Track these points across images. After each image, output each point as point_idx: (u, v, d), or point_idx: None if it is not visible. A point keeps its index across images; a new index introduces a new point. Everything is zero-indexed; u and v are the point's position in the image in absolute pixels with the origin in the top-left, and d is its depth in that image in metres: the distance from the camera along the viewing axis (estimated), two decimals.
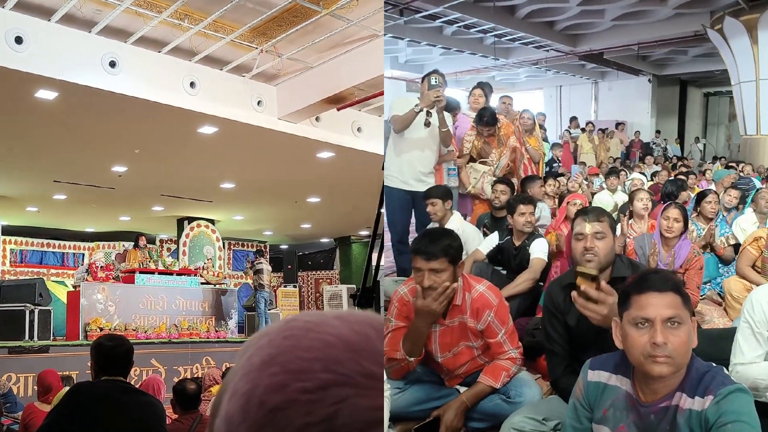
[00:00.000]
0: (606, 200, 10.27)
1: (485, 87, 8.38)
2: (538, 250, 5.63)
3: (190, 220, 19.31)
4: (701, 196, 7.34)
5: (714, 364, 2.48)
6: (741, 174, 12.60)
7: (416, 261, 3.65)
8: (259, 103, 11.32)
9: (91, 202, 16.75)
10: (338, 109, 11.59)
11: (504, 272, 5.88)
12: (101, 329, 12.13)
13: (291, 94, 11.39)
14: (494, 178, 7.14)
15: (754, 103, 16.88)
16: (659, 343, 2.33)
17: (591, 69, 23.50)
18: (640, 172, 13.42)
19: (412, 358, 3.81)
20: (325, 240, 24.74)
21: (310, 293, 22.96)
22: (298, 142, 12.09)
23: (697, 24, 17.12)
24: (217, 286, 16.23)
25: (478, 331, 3.86)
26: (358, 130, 12.73)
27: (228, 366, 8.48)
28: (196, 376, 11.64)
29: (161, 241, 21.39)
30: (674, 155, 20.62)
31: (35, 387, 8.33)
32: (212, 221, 19.78)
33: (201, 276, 16.07)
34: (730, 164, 15.76)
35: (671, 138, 23.34)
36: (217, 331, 14.35)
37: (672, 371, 2.38)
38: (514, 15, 17.00)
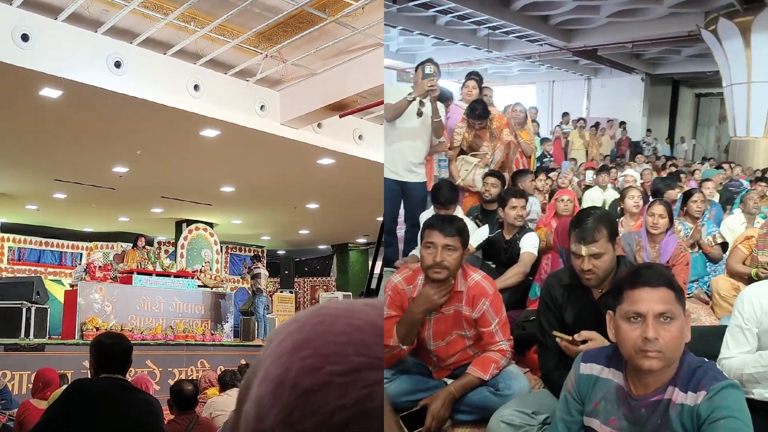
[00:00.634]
0: (596, 197, 10.34)
1: (478, 78, 8.40)
2: (529, 244, 5.63)
3: (189, 222, 19.28)
4: (687, 195, 7.44)
5: (706, 360, 2.49)
6: (732, 176, 12.62)
7: (431, 236, 3.71)
8: (261, 107, 11.34)
9: (90, 202, 16.73)
10: (340, 116, 11.60)
11: (493, 266, 5.87)
12: (97, 329, 12.11)
13: (294, 100, 11.41)
14: (486, 171, 7.10)
15: (744, 105, 16.96)
16: (650, 338, 2.35)
17: (584, 65, 23.49)
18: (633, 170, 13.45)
19: (405, 346, 3.82)
20: (322, 246, 24.68)
21: (306, 299, 22.93)
22: (299, 147, 12.10)
23: (692, 24, 17.18)
24: (214, 289, 16.21)
25: (472, 319, 3.88)
26: (360, 137, 12.74)
27: (223, 369, 8.48)
28: (191, 378, 11.63)
29: (159, 242, 21.37)
30: (663, 155, 20.64)
31: (30, 385, 8.34)
32: (211, 224, 19.75)
33: (198, 279, 16.04)
34: (721, 165, 15.82)
35: (662, 137, 23.38)
36: (212, 334, 14.32)
37: (663, 366, 2.39)
38: (509, 7, 16.97)
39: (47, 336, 12.05)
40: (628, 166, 15.37)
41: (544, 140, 13.65)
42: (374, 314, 0.68)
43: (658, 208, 5.71)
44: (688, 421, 2.36)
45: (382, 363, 0.63)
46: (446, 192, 6.18)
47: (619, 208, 7.29)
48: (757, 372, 3.27)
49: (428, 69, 6.13)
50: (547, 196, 8.71)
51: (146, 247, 15.92)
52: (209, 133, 11.38)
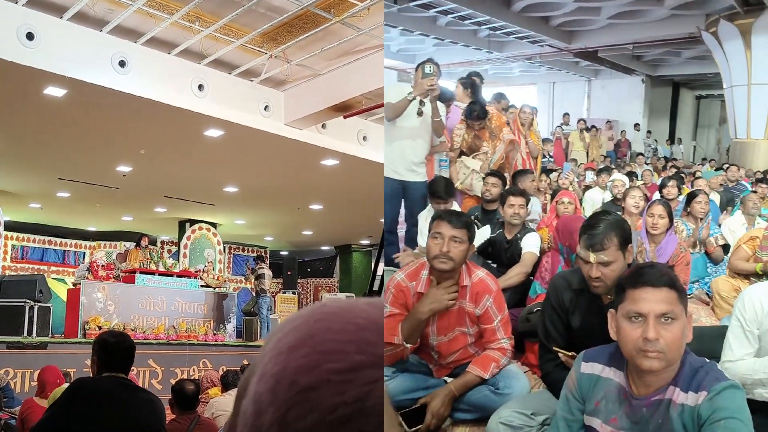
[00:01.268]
0: (597, 197, 10.36)
1: (479, 78, 8.42)
2: (531, 244, 5.63)
3: (192, 222, 19.30)
4: (691, 197, 7.48)
5: (708, 360, 2.49)
6: (737, 177, 12.61)
7: (440, 226, 3.73)
8: (266, 108, 11.35)
9: (94, 201, 16.76)
10: (345, 117, 11.60)
11: (494, 266, 5.87)
12: (100, 328, 12.12)
13: (298, 101, 11.41)
14: (484, 175, 7.11)
15: (745, 106, 16.95)
16: (651, 338, 2.33)
17: (585, 66, 23.46)
18: (630, 172, 13.46)
19: (409, 345, 3.81)
20: (325, 248, 24.70)
21: (308, 300, 22.94)
22: (303, 148, 12.11)
23: (692, 26, 17.16)
24: (217, 289, 16.21)
25: (475, 316, 3.88)
26: (364, 138, 12.74)
27: (225, 369, 8.48)
28: (192, 377, 11.64)
29: (162, 242, 21.38)
30: (663, 156, 20.63)
31: (32, 383, 8.35)
32: (214, 224, 19.77)
33: (201, 279, 16.06)
34: (721, 166, 15.81)
35: (662, 139, 23.38)
36: (215, 334, 14.33)
37: (663, 366, 2.38)
38: (510, 8, 16.95)
39: (50, 334, 12.05)
40: (628, 167, 15.37)
41: (544, 141, 13.66)
42: (376, 313, 0.68)
43: (658, 209, 5.72)
44: (689, 421, 2.35)
45: (383, 361, 0.62)
46: (443, 186, 6.22)
47: (622, 208, 7.29)
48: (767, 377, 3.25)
49: (428, 68, 6.13)
50: (548, 196, 8.72)
51: (149, 246, 15.93)
52: (213, 133, 11.39)
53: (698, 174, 13.42)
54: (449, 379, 4.01)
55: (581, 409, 2.70)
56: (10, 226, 18.56)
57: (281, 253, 24.91)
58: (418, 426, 3.69)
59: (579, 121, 18.66)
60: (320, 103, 11.02)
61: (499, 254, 5.87)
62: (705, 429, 2.31)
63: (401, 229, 7.13)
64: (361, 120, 12.52)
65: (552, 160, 13.93)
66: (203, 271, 17.15)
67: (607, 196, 10.08)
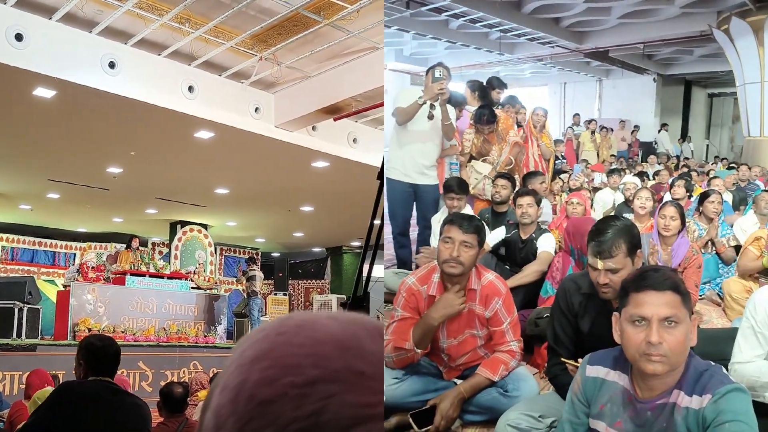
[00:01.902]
0: (608, 199, 10.32)
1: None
2: (546, 245, 5.69)
3: (183, 224, 19.27)
4: (704, 197, 7.41)
5: (713, 363, 2.48)
6: (749, 177, 12.54)
7: (450, 231, 3.79)
8: (256, 110, 11.34)
9: (84, 202, 16.72)
10: (335, 120, 11.62)
11: (508, 267, 5.91)
12: (90, 330, 12.08)
13: (288, 103, 11.41)
14: (493, 178, 7.16)
15: (758, 104, 16.78)
16: (654, 342, 2.33)
17: (596, 66, 23.42)
18: (641, 171, 13.41)
19: (420, 350, 3.85)
20: (317, 249, 24.70)
21: (300, 302, 22.93)
22: (293, 150, 12.11)
23: (704, 24, 17.07)
24: (208, 291, 16.19)
25: (485, 318, 3.94)
26: (354, 141, 12.75)
27: (216, 371, 8.47)
28: (183, 380, 11.61)
29: (153, 244, 21.33)
30: (676, 155, 20.61)
31: (21, 385, 8.31)
32: (205, 226, 19.74)
33: (192, 280, 16.03)
34: (731, 165, 15.78)
35: (674, 138, 23.30)
36: (206, 336, 14.31)
37: (666, 370, 2.38)
38: (520, 10, 16.98)
39: (39, 336, 12.03)
40: (639, 167, 15.35)
41: (556, 142, 13.63)
42: (337, 327, 0.68)
43: (670, 210, 5.70)
44: (694, 424, 2.35)
45: (339, 376, 0.62)
46: (456, 182, 6.31)
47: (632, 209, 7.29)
48: None
49: (438, 73, 6.17)
50: (559, 197, 8.72)
51: (140, 248, 15.89)
52: (204, 134, 11.38)
53: (712, 173, 13.38)
54: (459, 381, 4.06)
55: (586, 412, 2.70)
56: None
57: (272, 254, 24.89)
58: (428, 427, 3.74)
59: (590, 122, 18.64)
60: (310, 105, 11.02)
61: (513, 254, 5.92)
62: None
63: (413, 232, 7.17)
64: (351, 122, 12.54)
65: (564, 160, 13.92)
66: (194, 272, 17.11)
67: (619, 197, 10.06)
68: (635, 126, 22.16)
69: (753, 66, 16.56)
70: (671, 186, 9.16)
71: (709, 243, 7.17)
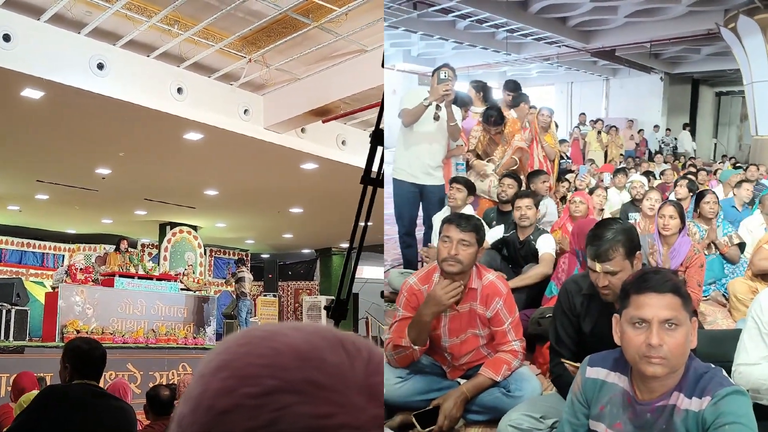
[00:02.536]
0: (614, 199, 10.28)
1: (481, 90, 8.48)
2: (547, 246, 5.71)
3: (173, 225, 19.23)
4: (699, 197, 7.33)
5: (713, 365, 2.48)
6: (747, 177, 12.49)
7: (449, 230, 3.83)
8: (245, 111, 11.34)
9: (73, 204, 16.67)
10: (324, 122, 11.63)
11: (509, 266, 5.93)
12: (78, 332, 12.03)
13: (277, 105, 11.42)
14: (499, 177, 7.19)
15: (766, 103, 16.63)
16: (654, 344, 2.34)
17: (603, 66, 23.36)
18: (647, 171, 13.38)
19: (417, 347, 3.87)
20: (306, 251, 24.70)
21: (289, 303, 22.92)
22: (282, 152, 12.11)
23: (711, 22, 17.00)
24: (197, 292, 16.16)
25: (486, 318, 3.96)
26: (343, 143, 12.77)
27: None
28: (171, 382, 11.59)
29: (143, 245, 21.28)
30: (681, 154, 20.60)
31: (8, 387, 8.28)
32: (195, 227, 19.70)
33: (181, 282, 15.99)
34: (736, 164, 15.73)
35: (682, 137, 23.23)
36: (195, 338, 14.28)
37: (666, 372, 2.38)
38: (527, 10, 17.00)
39: (27, 338, 11.98)
40: (645, 165, 15.34)
41: (562, 142, 13.59)
42: (299, 338, 0.68)
43: (669, 209, 5.70)
44: (693, 426, 2.36)
45: (296, 387, 0.63)
46: (464, 178, 6.44)
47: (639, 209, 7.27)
48: None
49: (443, 74, 6.19)
50: (563, 198, 8.72)
51: (129, 249, 15.84)
52: (193, 136, 11.37)
53: (719, 173, 13.33)
54: (462, 381, 4.09)
55: (586, 413, 2.70)
56: None
57: (262, 256, 24.89)
58: (431, 427, 3.76)
59: (596, 121, 18.62)
60: (299, 107, 11.03)
61: (513, 254, 5.94)
62: None
63: (419, 232, 7.21)
64: (340, 124, 12.56)
65: (570, 160, 13.93)
66: (183, 274, 17.08)
67: (625, 197, 10.03)
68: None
69: (761, 64, 16.46)
70: (674, 185, 9.10)
71: (712, 244, 7.13)
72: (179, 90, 10.51)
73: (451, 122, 6.49)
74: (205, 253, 20.66)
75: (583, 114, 19.91)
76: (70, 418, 3.51)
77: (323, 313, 17.01)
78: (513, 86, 9.06)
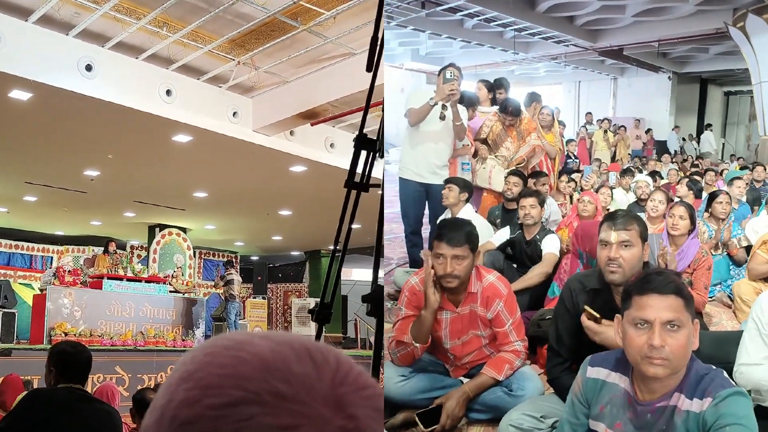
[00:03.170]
0: (620, 199, 10.24)
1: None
2: (551, 245, 5.70)
3: (162, 227, 19.18)
4: (712, 197, 7.28)
5: (713, 367, 2.48)
6: (755, 177, 12.47)
7: (439, 247, 3.79)
8: (234, 114, 11.33)
9: (62, 205, 16.62)
10: (312, 125, 11.63)
11: (515, 266, 5.94)
12: (66, 334, 12.00)
13: (266, 107, 11.41)
14: (503, 169, 7.20)
15: None
16: (656, 345, 2.34)
17: (610, 65, 23.30)
18: (653, 171, 13.33)
19: (418, 344, 3.88)
20: (295, 253, 24.67)
21: (278, 305, 22.89)
22: (271, 154, 12.11)
23: (719, 21, 16.93)
24: (186, 295, 16.12)
25: (487, 319, 3.96)
26: (331, 146, 12.78)
27: None
28: (159, 384, 11.56)
29: (132, 247, 21.22)
30: (689, 154, 20.59)
31: None
32: (184, 229, 19.67)
33: (170, 284, 15.95)
34: (746, 165, 15.70)
35: (683, 136, 23.21)
36: (183, 340, 14.24)
37: (668, 373, 2.38)
38: (534, 9, 17.02)
39: (15, 341, 11.93)
40: (651, 164, 15.32)
41: (569, 141, 13.55)
42: (265, 347, 0.67)
43: (679, 210, 5.66)
44: (694, 427, 2.36)
45: (260, 397, 0.62)
46: (462, 179, 6.41)
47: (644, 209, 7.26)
48: None
49: (449, 74, 6.19)
50: (569, 197, 8.70)
51: (117, 251, 15.80)
52: (181, 138, 11.35)
53: (726, 173, 13.30)
54: (465, 380, 4.09)
55: (586, 413, 2.70)
56: None
57: (252, 258, 24.85)
58: (434, 426, 3.77)
59: (602, 120, 18.61)
60: (288, 110, 11.03)
61: (519, 255, 5.94)
62: None
63: (425, 231, 7.22)
64: (329, 127, 12.56)
65: (577, 160, 13.91)
66: (172, 276, 17.05)
67: (631, 198, 10.00)
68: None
69: None
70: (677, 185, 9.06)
71: (720, 244, 7.11)
72: (168, 92, 10.50)
73: (456, 121, 6.50)
74: (194, 255, 20.63)
75: (590, 113, 19.89)
76: (55, 421, 3.50)
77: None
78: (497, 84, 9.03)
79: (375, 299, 2.85)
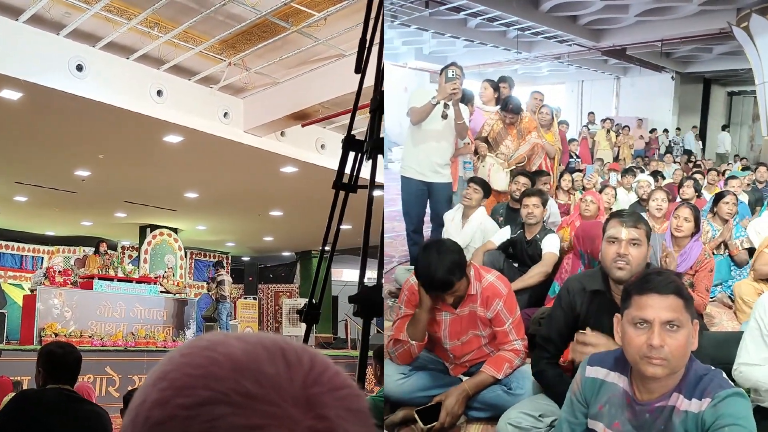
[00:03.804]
0: (622, 198, 10.22)
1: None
2: (551, 245, 5.69)
3: (153, 227, 19.15)
4: (719, 197, 7.23)
5: (712, 367, 2.48)
6: (757, 178, 12.47)
7: (436, 300, 3.82)
8: (225, 114, 11.33)
9: (52, 206, 16.58)
10: (303, 126, 11.64)
11: (516, 265, 5.95)
12: (56, 335, 11.98)
13: (257, 108, 11.42)
14: (502, 168, 7.20)
15: None
16: (656, 345, 2.33)
17: (613, 64, 23.31)
18: (655, 171, 13.32)
19: (414, 342, 3.89)
20: (286, 253, 24.67)
21: (269, 306, 22.87)
22: (262, 155, 12.11)
23: (723, 21, 16.91)
24: (177, 295, 16.10)
25: (487, 319, 3.96)
26: (322, 147, 12.79)
27: None
28: None
29: (123, 247, 21.19)
30: (693, 154, 20.61)
31: None
32: (175, 230, 19.64)
33: (161, 285, 15.93)
34: (748, 166, 15.71)
35: (693, 136, 23.23)
36: (174, 341, 14.22)
37: (666, 373, 2.38)
38: (538, 9, 17.05)
39: (4, 341, 11.90)
40: (654, 164, 15.33)
41: (571, 141, 13.55)
42: (238, 348, 0.67)
43: (684, 211, 5.64)
44: (693, 428, 2.36)
45: (229, 398, 0.62)
46: (481, 179, 6.43)
47: (646, 209, 7.26)
48: None
49: (451, 73, 6.19)
50: (570, 196, 8.70)
51: (108, 252, 15.78)
52: (172, 138, 11.34)
53: (728, 173, 13.30)
54: (465, 378, 4.09)
55: (585, 412, 2.70)
56: None
57: (243, 258, 24.83)
58: (433, 423, 3.77)
59: (605, 120, 18.61)
60: (279, 111, 11.04)
61: (520, 254, 5.95)
62: None
63: (427, 229, 7.23)
64: (319, 128, 12.56)
65: (579, 159, 13.90)
66: (163, 276, 17.02)
67: (632, 197, 9.99)
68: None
69: None
70: (679, 186, 9.06)
71: (722, 245, 7.12)
72: (159, 92, 10.49)
73: (458, 120, 6.51)
74: (185, 256, 20.59)
75: (593, 113, 19.89)
76: (44, 422, 3.50)
77: None
78: (501, 79, 9.03)
79: (363, 300, 2.86)
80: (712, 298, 6.49)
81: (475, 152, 7.66)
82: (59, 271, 13.94)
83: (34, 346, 11.86)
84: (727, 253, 7.06)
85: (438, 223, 6.81)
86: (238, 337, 0.70)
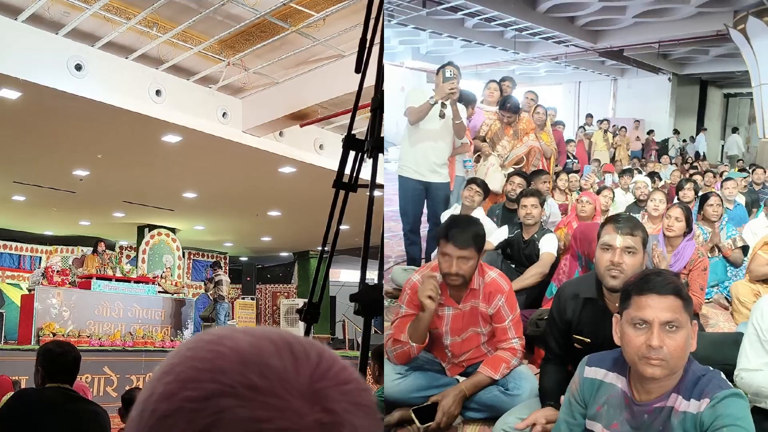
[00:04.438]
0: (619, 199, 10.21)
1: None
2: (548, 245, 5.68)
3: (151, 227, 19.14)
4: (703, 199, 7.25)
5: (711, 368, 2.48)
6: (754, 180, 12.46)
7: (446, 247, 3.76)
8: (224, 114, 11.33)
9: (51, 205, 16.56)
10: (301, 126, 11.63)
11: (513, 266, 5.94)
12: (54, 334, 11.95)
13: (256, 108, 11.42)
14: (500, 168, 7.20)
15: None
16: (655, 346, 2.33)
17: (611, 66, 23.33)
18: (652, 172, 13.33)
19: (414, 343, 3.89)
20: (284, 254, 24.66)
21: (267, 306, 22.86)
22: (261, 155, 12.11)
23: (720, 23, 16.93)
24: (175, 295, 16.09)
25: (488, 315, 3.97)
26: (321, 147, 12.79)
27: None
28: None
29: (121, 247, 21.18)
30: (689, 155, 20.62)
31: None
32: (173, 230, 19.63)
33: (159, 285, 15.92)
34: (745, 168, 15.71)
35: (689, 138, 23.24)
36: (172, 341, 14.21)
37: (665, 374, 2.38)
38: (535, 9, 17.06)
39: (3, 341, 11.89)
40: (651, 165, 15.34)
41: (568, 142, 13.55)
42: (245, 341, 0.68)
43: (675, 211, 5.66)
44: (691, 428, 2.35)
45: (235, 390, 0.63)
46: (482, 180, 6.42)
47: (643, 213, 7.25)
48: None
49: (448, 72, 6.18)
50: (568, 196, 8.70)
51: (106, 251, 15.76)
52: (171, 138, 11.34)
53: (724, 175, 13.29)
54: (461, 378, 4.09)
55: (583, 413, 2.69)
56: None
57: (241, 259, 24.83)
58: (430, 423, 3.77)
59: (602, 121, 18.61)
60: (277, 111, 11.04)
61: (517, 254, 5.94)
62: None
63: (424, 229, 7.23)
64: (318, 128, 12.56)
65: (576, 160, 13.92)
66: (161, 276, 17.01)
67: (630, 198, 9.99)
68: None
69: None
70: (677, 188, 9.06)
71: (715, 248, 7.12)
72: (158, 92, 10.49)
73: (456, 120, 6.51)
74: (183, 256, 20.60)
75: (590, 116, 19.89)
76: (43, 421, 3.50)
77: None
78: (503, 78, 9.04)
79: (363, 299, 2.87)
80: (708, 299, 6.49)
81: (476, 152, 7.66)
82: (57, 271, 13.92)
83: (32, 345, 11.84)
84: (721, 255, 7.07)
85: (435, 223, 6.80)
86: (244, 331, 0.71)
